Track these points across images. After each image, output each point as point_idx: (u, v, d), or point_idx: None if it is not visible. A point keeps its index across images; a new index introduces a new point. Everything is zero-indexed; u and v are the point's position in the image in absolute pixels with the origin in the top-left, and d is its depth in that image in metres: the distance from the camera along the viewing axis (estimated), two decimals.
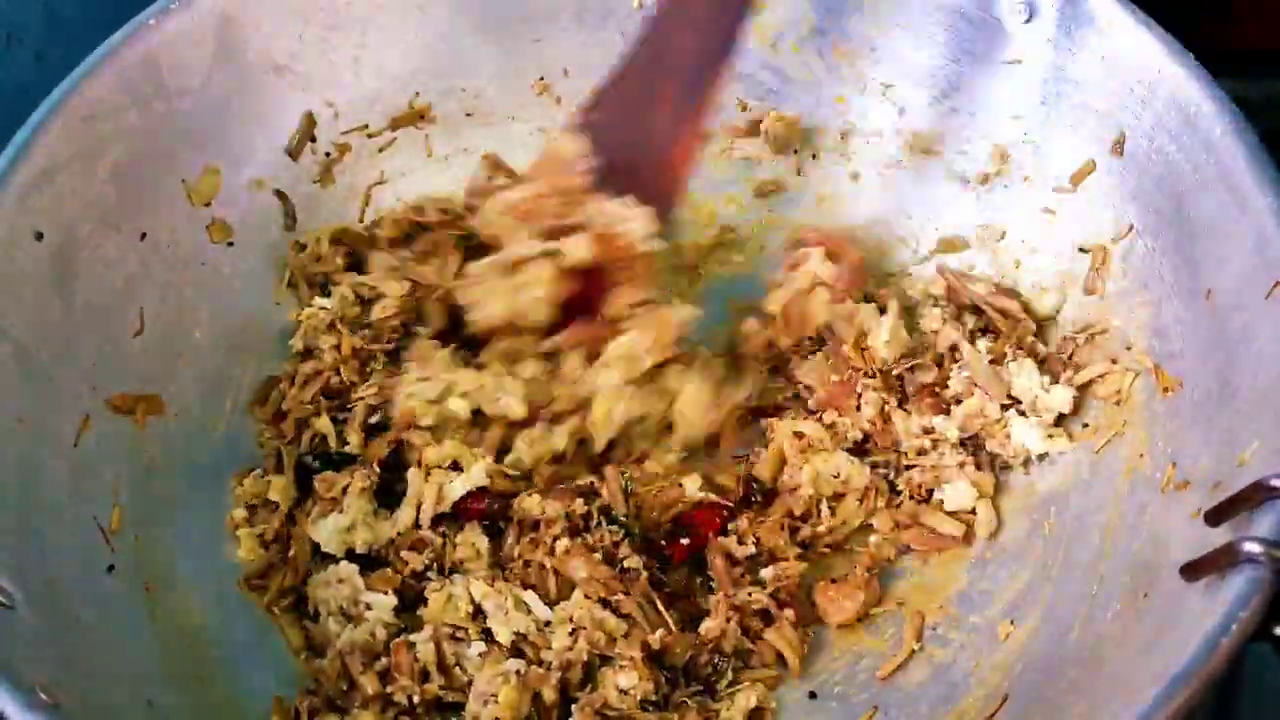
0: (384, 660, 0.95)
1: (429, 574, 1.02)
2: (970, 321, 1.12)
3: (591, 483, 1.04)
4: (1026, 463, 1.06)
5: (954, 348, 1.09)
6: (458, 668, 0.96)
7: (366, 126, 1.23)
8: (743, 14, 1.08)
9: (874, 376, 1.09)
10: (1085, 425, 1.04)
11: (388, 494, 1.05)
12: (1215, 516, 0.81)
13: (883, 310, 1.12)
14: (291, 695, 0.96)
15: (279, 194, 1.18)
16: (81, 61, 1.03)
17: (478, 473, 1.03)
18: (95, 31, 1.05)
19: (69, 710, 0.79)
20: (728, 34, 1.08)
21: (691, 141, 1.10)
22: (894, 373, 1.09)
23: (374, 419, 1.09)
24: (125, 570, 0.96)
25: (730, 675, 0.99)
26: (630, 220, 1.06)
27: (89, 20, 1.13)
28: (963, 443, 1.07)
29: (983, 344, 1.09)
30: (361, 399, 1.08)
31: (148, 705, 0.88)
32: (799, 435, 1.08)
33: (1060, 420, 1.06)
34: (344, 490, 1.03)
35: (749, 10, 1.08)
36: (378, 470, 1.05)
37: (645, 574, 0.99)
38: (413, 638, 0.95)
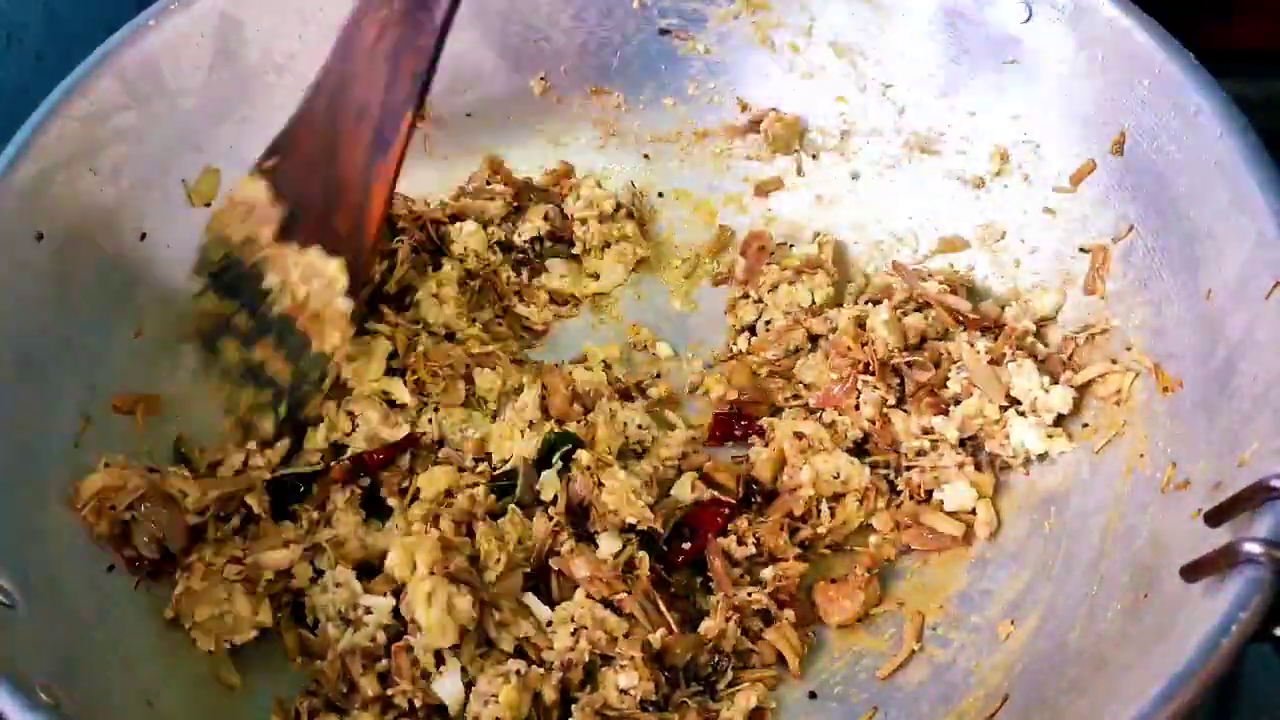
0: (384, 662, 0.95)
1: None
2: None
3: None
4: (1026, 463, 1.06)
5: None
6: None
7: None
8: (433, 57, 0.98)
9: (873, 373, 1.09)
10: (1085, 425, 1.04)
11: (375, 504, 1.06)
12: (1215, 517, 0.80)
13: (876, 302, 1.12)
14: (292, 696, 0.96)
15: None
16: (81, 61, 1.03)
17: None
18: (95, 31, 1.05)
19: (69, 710, 0.79)
20: (418, 74, 0.99)
21: (386, 187, 1.02)
22: (893, 363, 1.09)
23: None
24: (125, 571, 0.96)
25: (730, 675, 0.99)
26: (323, 273, 1.02)
27: (89, 20, 1.13)
28: (962, 443, 1.07)
29: (982, 344, 1.09)
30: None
31: (147, 705, 0.88)
32: (799, 435, 1.07)
33: (1060, 420, 1.06)
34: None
35: (438, 53, 0.98)
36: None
37: (649, 574, 0.99)
38: (411, 641, 0.95)
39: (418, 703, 0.93)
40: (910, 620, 1.01)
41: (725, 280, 1.23)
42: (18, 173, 0.98)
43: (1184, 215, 0.97)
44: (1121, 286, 1.04)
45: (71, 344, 1.00)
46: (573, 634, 0.96)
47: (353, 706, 0.94)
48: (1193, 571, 0.78)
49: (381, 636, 0.96)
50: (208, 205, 1.12)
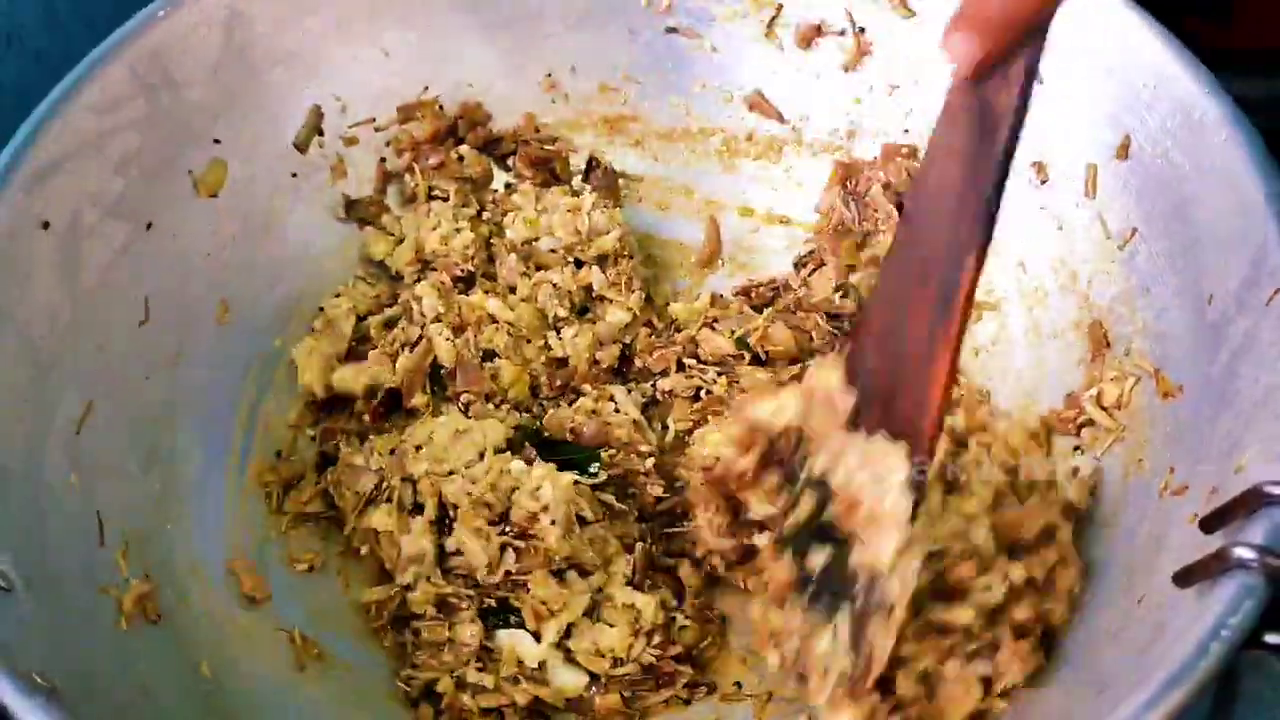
0: None
1: None
2: None
3: None
4: None
5: None
6: None
7: (374, 120, 1.23)
8: (996, 190, 0.80)
9: None
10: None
11: None
12: (1210, 523, 0.80)
13: None
14: (288, 688, 0.97)
15: None
16: (81, 61, 1.04)
17: None
18: (95, 31, 1.05)
19: (65, 695, 0.79)
20: (979, 213, 0.81)
21: (949, 353, 0.83)
22: None
23: None
24: (125, 557, 0.96)
25: None
26: (883, 461, 0.85)
27: (89, 20, 1.13)
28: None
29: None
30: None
31: (143, 693, 0.88)
32: None
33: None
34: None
35: (1001, 190, 0.80)
36: None
37: None
38: None
39: None
40: None
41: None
42: (25, 161, 0.98)
43: (1188, 220, 0.97)
44: (1124, 290, 1.04)
45: (76, 332, 1.01)
46: None
47: None
48: (1184, 577, 0.78)
49: None
50: (214, 196, 1.13)
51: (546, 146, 1.25)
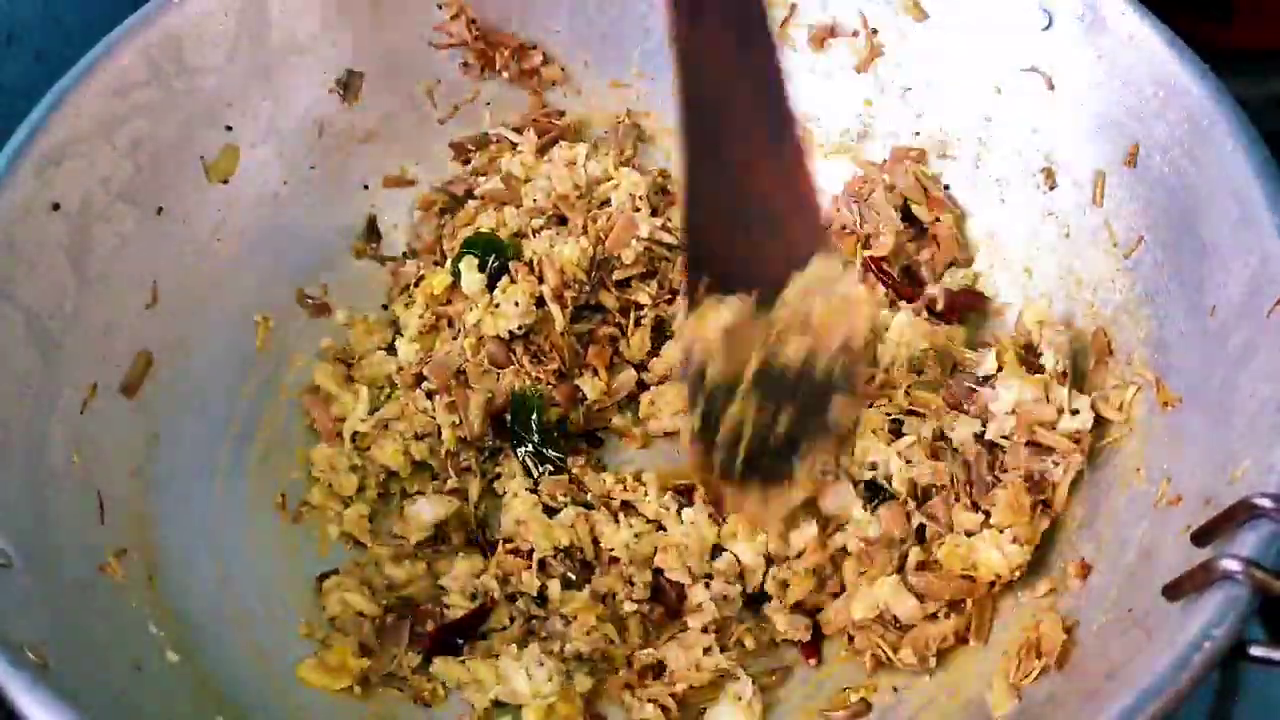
0: None
1: None
2: None
3: None
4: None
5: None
6: None
7: None
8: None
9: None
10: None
11: None
12: (1201, 536, 0.80)
13: None
14: (287, 669, 0.98)
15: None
16: (96, 45, 1.05)
17: None
18: (95, 31, 1.06)
19: (56, 670, 0.80)
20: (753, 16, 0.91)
21: (803, 160, 0.94)
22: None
23: None
24: (124, 537, 0.98)
25: None
26: (821, 278, 0.94)
27: (89, 20, 1.14)
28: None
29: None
30: None
31: (135, 669, 0.89)
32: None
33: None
34: None
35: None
36: None
37: None
38: None
39: None
40: None
41: None
42: (37, 144, 0.99)
43: (1193, 230, 0.96)
44: (1129, 298, 1.03)
45: (83, 314, 1.02)
46: None
47: None
48: (1173, 590, 0.78)
49: None
50: (225, 182, 1.14)
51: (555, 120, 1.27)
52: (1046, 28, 1.08)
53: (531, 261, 1.15)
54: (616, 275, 1.18)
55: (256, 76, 1.15)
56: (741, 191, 0.93)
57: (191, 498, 1.06)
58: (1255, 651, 0.72)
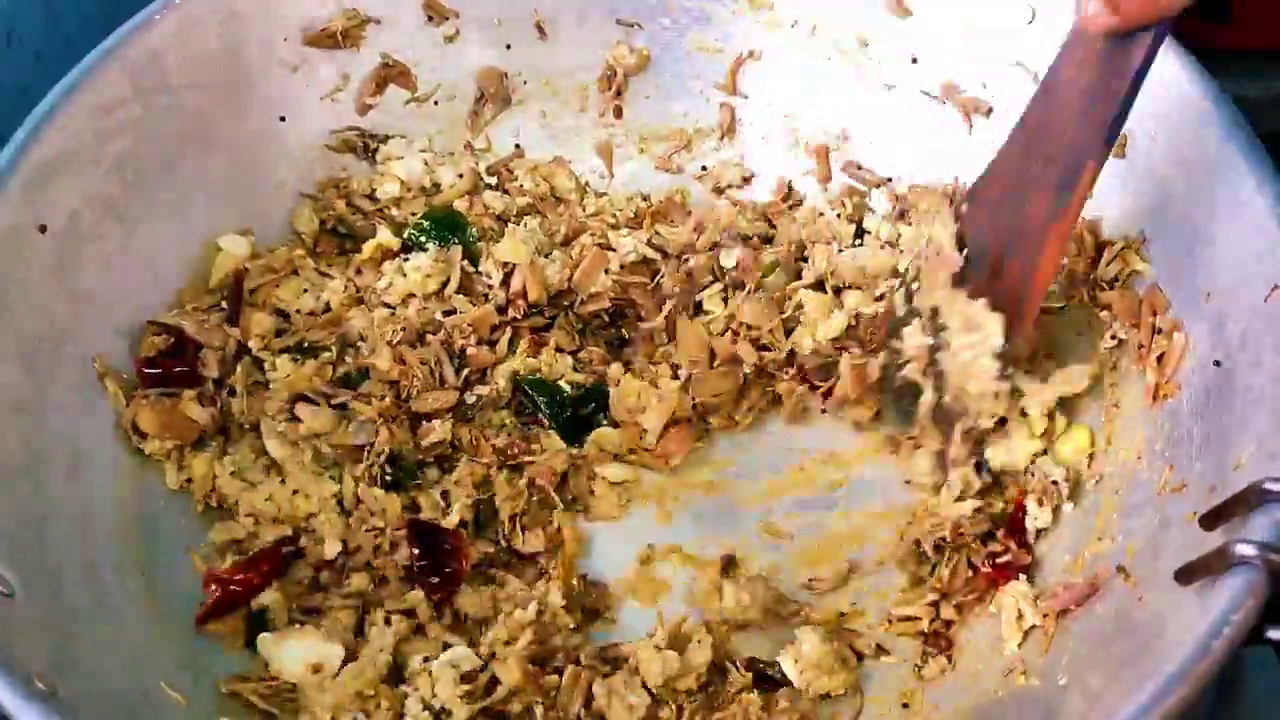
0: None
1: None
2: None
3: None
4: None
5: None
6: None
7: None
8: (1124, 104, 0.88)
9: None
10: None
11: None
12: (1210, 520, 0.80)
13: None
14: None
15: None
16: (78, 64, 1.04)
17: None
18: (95, 31, 1.05)
19: (65, 698, 0.79)
20: (1105, 123, 0.88)
21: (1060, 241, 0.93)
22: None
23: None
24: (124, 559, 0.96)
25: None
26: (982, 328, 0.96)
27: (89, 20, 1.13)
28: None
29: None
30: None
31: (144, 695, 0.88)
32: None
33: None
34: None
35: (1131, 101, 0.88)
36: None
37: None
38: None
39: None
40: None
41: None
42: (22, 164, 0.98)
43: (1185, 218, 0.97)
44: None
45: (74, 334, 1.01)
46: None
47: None
48: (1186, 575, 0.78)
49: None
50: (210, 198, 1.13)
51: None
52: (1030, 22, 1.08)
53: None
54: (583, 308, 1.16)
55: (240, 91, 1.14)
56: (1019, 209, 0.94)
57: (193, 516, 1.04)
58: (1273, 634, 0.73)
